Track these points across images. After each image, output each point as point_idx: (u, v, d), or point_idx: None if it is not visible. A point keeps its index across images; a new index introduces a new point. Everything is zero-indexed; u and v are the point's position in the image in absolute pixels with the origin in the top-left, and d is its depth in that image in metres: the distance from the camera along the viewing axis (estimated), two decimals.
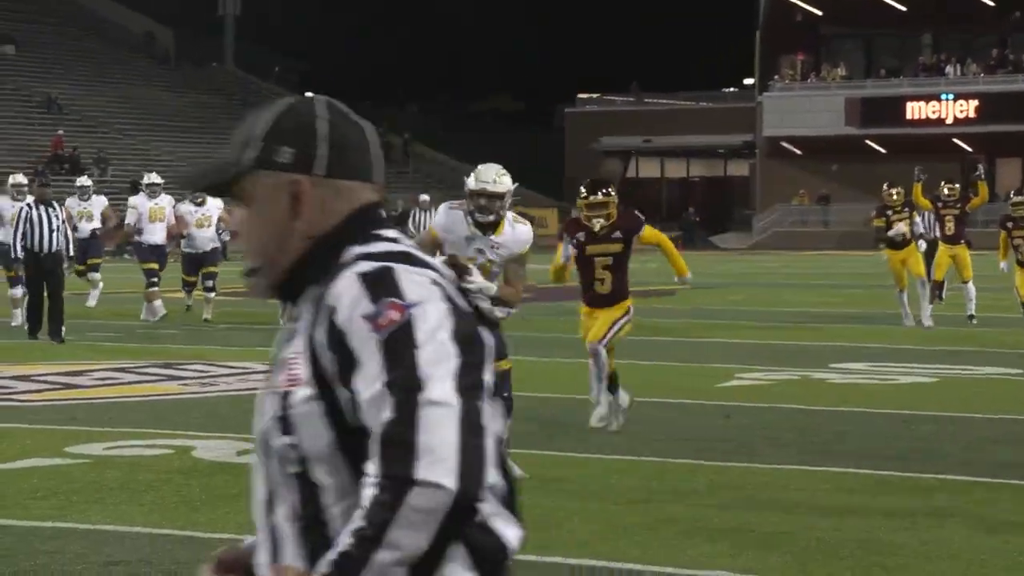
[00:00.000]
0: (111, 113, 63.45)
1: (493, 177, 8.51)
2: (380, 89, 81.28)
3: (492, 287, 8.20)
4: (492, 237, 8.49)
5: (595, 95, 73.86)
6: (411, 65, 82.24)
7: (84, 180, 23.11)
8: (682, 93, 71.65)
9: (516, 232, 8.58)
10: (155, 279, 20.63)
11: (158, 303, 20.46)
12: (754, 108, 65.43)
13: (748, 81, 69.42)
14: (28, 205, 18.06)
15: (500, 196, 8.49)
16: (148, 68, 70.67)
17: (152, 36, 75.69)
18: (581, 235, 10.52)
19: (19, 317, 19.01)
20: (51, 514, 7.46)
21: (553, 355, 15.41)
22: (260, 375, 13.96)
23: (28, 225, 17.71)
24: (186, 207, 20.89)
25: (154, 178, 21.66)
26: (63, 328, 17.56)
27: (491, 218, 8.47)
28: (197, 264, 20.82)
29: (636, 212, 10.70)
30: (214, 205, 20.69)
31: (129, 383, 13.51)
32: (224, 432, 10.28)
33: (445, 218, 8.62)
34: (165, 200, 21.16)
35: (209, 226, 20.70)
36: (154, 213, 20.97)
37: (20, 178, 20.70)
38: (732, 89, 72.87)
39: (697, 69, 74.34)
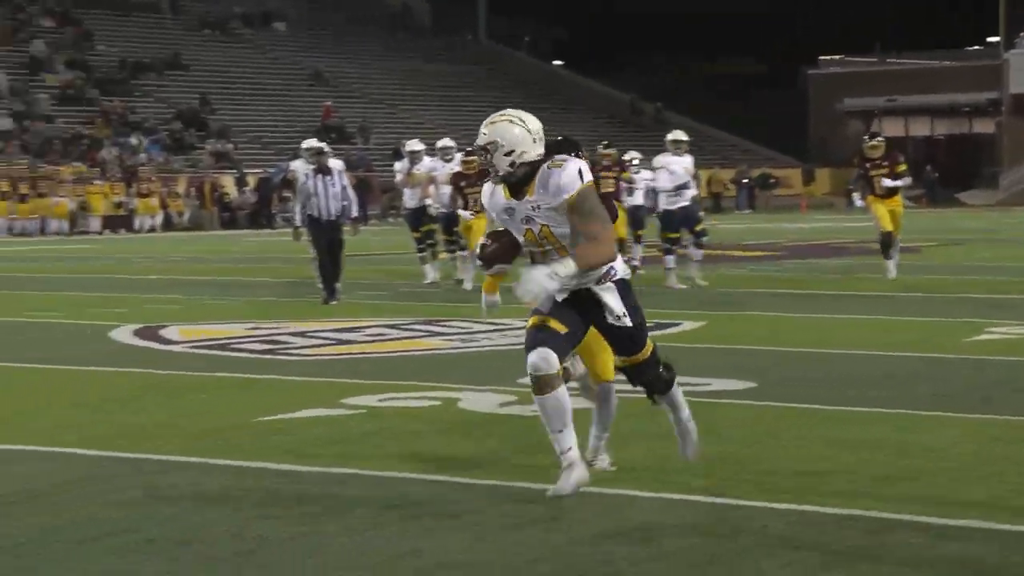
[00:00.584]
0: (372, 84, 66.56)
1: (483, 127, 6.79)
2: (630, 56, 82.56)
3: (570, 265, 6.55)
4: (528, 198, 6.72)
5: (837, 57, 74.27)
6: (653, 30, 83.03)
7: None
8: (925, 52, 71.47)
9: (548, 181, 6.66)
10: (421, 245, 21.09)
11: (427, 267, 20.87)
12: (999, 65, 65.06)
13: (993, 39, 69.16)
14: (306, 175, 18.37)
15: (483, 149, 6.74)
16: (405, 40, 73.54)
17: (409, 9, 78.59)
18: None
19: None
20: (335, 460, 7.78)
21: (751, 308, 16.15)
22: (518, 331, 13.27)
23: (306, 194, 18.23)
24: (432, 163, 20.89)
25: (415, 145, 21.65)
26: (338, 287, 18.09)
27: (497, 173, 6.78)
28: (445, 223, 20.52)
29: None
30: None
31: (397, 339, 13.83)
32: (486, 384, 10.44)
33: (484, 194, 6.98)
34: (427, 165, 21.19)
35: None
36: (415, 178, 21.13)
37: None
38: (976, 47, 72.52)
39: (940, 27, 74.05)
